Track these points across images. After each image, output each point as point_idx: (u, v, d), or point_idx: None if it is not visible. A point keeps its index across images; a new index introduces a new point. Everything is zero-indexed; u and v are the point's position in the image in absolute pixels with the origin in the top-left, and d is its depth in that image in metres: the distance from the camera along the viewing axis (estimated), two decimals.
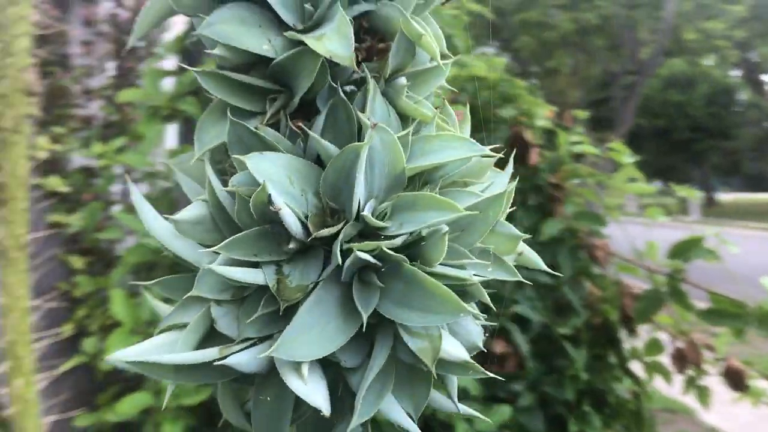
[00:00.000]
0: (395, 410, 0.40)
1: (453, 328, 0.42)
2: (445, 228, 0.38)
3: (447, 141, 0.40)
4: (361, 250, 0.35)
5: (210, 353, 0.38)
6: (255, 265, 0.38)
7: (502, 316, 1.62)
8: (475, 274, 0.40)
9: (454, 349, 0.38)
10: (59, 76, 2.15)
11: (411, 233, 0.37)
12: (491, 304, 0.42)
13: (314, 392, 0.36)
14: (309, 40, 0.36)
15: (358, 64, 0.42)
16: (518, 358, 1.62)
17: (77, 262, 1.63)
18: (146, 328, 1.47)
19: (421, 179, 0.41)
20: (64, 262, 1.66)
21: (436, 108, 0.44)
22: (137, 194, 0.40)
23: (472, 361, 0.40)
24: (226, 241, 0.37)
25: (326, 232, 0.36)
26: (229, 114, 0.38)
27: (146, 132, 1.63)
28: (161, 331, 0.43)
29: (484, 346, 1.45)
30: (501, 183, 0.46)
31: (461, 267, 0.40)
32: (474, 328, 0.43)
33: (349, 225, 0.37)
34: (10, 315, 1.21)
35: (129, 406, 1.51)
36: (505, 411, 1.49)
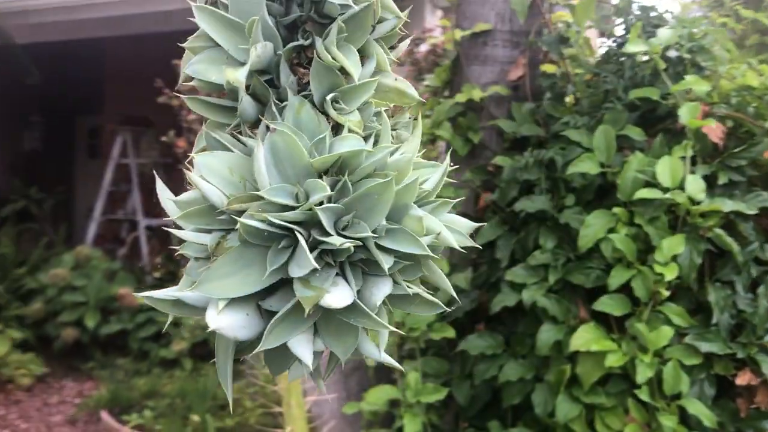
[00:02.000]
0: (301, 347, 0.51)
1: (366, 292, 0.52)
2: (325, 204, 0.49)
3: (348, 140, 0.51)
4: (248, 217, 0.48)
5: (176, 292, 0.54)
6: (209, 231, 0.53)
7: (750, 345, 1.48)
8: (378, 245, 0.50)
9: (336, 301, 0.48)
10: None
11: (299, 206, 0.49)
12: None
13: (222, 321, 0.49)
14: (227, 71, 0.51)
15: (305, 85, 0.55)
16: None
17: None
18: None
19: (335, 169, 0.52)
20: None
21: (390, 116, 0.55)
22: (159, 182, 0.58)
23: (363, 307, 0.50)
24: (183, 212, 0.53)
25: (235, 207, 0.50)
26: (203, 126, 0.55)
27: None
28: None
29: (729, 377, 1.42)
30: (433, 177, 0.54)
31: (364, 240, 0.50)
32: (385, 290, 0.51)
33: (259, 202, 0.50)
34: None
35: (376, 397, 1.74)
36: None
